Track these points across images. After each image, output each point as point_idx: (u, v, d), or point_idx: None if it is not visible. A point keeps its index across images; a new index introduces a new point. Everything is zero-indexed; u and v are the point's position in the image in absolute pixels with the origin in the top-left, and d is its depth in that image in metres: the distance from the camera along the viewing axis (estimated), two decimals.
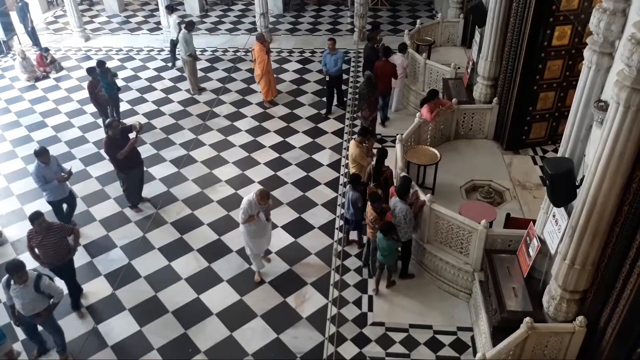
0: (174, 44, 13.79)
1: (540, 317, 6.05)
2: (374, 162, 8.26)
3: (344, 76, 12.57)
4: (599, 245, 5.35)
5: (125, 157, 8.75)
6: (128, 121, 11.29)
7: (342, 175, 10.26)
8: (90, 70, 10.90)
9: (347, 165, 10.33)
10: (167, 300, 7.82)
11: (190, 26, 12.65)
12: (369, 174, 8.23)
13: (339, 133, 11.49)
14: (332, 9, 17.90)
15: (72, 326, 7.45)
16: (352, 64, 14.18)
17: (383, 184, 8.05)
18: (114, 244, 8.81)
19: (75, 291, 7.68)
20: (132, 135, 8.90)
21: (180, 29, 12.74)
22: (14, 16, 15.30)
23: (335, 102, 12.17)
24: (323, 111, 12.11)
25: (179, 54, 13.28)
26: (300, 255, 8.55)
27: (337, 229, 9.03)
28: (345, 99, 12.44)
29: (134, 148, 8.95)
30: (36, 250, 7.17)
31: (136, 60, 14.72)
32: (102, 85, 10.98)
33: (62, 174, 8.44)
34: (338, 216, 9.27)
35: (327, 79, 11.84)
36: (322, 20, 17.07)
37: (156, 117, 12.16)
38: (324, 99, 12.39)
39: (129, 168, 9.02)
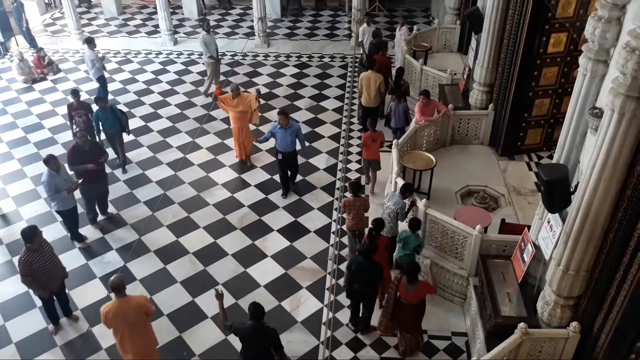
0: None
1: (534, 322, 6.06)
2: (394, 79, 10.87)
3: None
4: (593, 251, 5.38)
5: (80, 173, 8.53)
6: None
7: (338, 179, 10.28)
8: (74, 93, 10.19)
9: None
10: (162, 303, 7.80)
11: (207, 26, 12.48)
12: (391, 87, 10.67)
13: (335, 137, 11.52)
14: (329, 15, 17.96)
15: (67, 328, 7.44)
16: (350, 68, 14.26)
17: (402, 95, 10.31)
18: (110, 246, 8.80)
19: (64, 301, 7.50)
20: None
21: (94, 65, 11.67)
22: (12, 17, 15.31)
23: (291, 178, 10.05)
24: (280, 192, 9.97)
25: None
26: (296, 259, 8.55)
27: (332, 233, 9.05)
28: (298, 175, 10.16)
29: (94, 170, 8.57)
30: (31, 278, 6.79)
31: (134, 63, 14.72)
32: (98, 120, 9.92)
33: (70, 184, 8.16)
34: (334, 220, 9.29)
35: (280, 157, 9.48)
36: (320, 26, 17.13)
37: (153, 120, 12.16)
38: (322, 103, 12.46)
39: (90, 182, 8.60)
